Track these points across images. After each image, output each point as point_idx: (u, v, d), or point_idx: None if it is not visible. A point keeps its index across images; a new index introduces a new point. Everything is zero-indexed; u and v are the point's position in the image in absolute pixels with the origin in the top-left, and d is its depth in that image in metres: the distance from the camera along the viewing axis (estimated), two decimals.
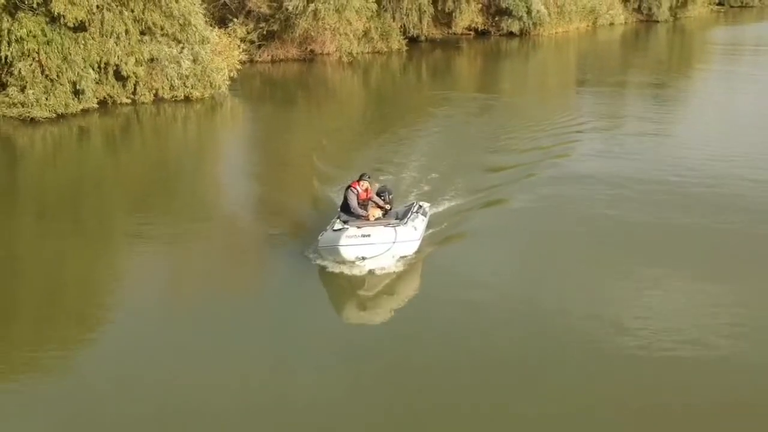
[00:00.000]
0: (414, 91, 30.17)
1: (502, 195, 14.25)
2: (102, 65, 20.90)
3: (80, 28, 20.10)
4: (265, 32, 32.06)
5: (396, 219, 11.55)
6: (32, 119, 19.58)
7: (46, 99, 19.67)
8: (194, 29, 22.75)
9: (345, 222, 11.10)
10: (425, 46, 39.50)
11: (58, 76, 19.84)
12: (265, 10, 31.77)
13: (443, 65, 37.01)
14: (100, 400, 7.77)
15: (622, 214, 13.27)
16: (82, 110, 20.69)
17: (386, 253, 10.71)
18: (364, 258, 10.60)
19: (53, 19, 19.60)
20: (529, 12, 42.99)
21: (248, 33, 31.32)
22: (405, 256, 11.03)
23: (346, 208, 11.43)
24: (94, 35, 20.37)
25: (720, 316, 9.49)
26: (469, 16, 41.81)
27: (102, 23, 20.44)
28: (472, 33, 43.43)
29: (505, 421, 7.52)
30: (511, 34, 43.44)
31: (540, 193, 14.47)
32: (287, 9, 30.80)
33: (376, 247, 10.60)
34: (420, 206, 12.22)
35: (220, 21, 30.55)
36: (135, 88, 21.89)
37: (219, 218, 13.60)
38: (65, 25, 19.68)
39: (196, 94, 22.82)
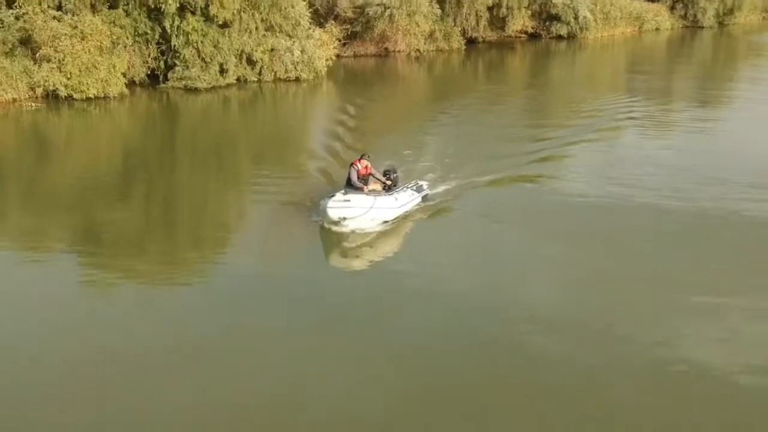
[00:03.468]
0: (471, 78, 36.73)
1: (510, 173, 16.66)
2: (239, 52, 28.50)
3: (225, 25, 27.62)
4: (349, 32, 38.86)
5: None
6: (195, 89, 27.39)
7: (203, 75, 27.48)
8: (302, 28, 30.29)
9: (345, 193, 13.03)
10: (482, 46, 44.21)
11: (210, 59, 27.57)
12: (350, 14, 38.82)
13: (498, 61, 42.43)
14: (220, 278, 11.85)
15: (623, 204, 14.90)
16: (226, 84, 28.30)
17: (364, 216, 12.59)
18: (344, 218, 12.51)
19: (208, 19, 27.28)
20: (576, 18, 47.43)
21: (336, 33, 38.70)
22: (388, 221, 13.08)
23: (348, 181, 13.51)
24: (235, 30, 27.91)
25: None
26: (521, 21, 45.89)
27: (240, 22, 27.99)
28: (524, 35, 47.22)
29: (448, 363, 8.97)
30: (559, 37, 47.21)
31: (556, 175, 16.85)
32: (368, 14, 37.83)
33: (354, 210, 12.55)
34: (417, 184, 14.30)
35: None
36: (261, 71, 29.37)
37: (304, 173, 17.40)
38: (216, 23, 27.32)
39: (303, 76, 30.06)
